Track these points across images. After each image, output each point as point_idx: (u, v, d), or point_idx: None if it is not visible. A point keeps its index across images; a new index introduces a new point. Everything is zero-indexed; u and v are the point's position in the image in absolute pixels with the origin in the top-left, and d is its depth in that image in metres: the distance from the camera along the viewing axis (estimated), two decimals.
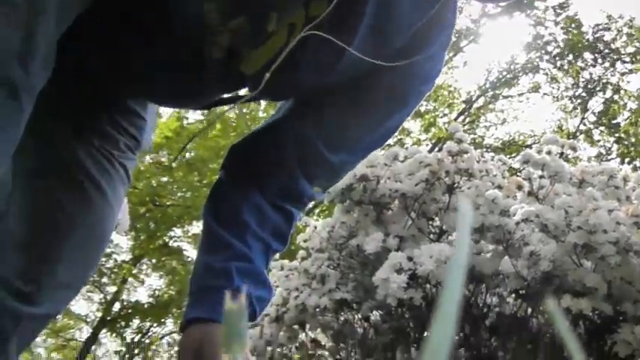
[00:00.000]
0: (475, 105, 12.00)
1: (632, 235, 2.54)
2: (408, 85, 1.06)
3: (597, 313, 2.71)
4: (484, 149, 9.55)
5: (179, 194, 10.01)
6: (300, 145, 1.05)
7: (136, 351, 10.56)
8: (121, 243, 10.40)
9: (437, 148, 9.21)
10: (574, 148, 3.54)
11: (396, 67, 0.98)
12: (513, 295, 3.17)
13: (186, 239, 10.72)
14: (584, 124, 11.44)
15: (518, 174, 3.33)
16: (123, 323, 10.72)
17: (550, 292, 2.90)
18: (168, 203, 9.95)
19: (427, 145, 10.28)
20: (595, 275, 2.67)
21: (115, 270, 10.44)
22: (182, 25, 0.89)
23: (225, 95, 1.09)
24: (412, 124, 11.18)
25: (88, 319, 11.31)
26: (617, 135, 11.18)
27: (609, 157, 11.06)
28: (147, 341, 11.18)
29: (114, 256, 10.43)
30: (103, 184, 1.09)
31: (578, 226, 2.66)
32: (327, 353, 3.58)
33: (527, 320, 3.08)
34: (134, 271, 10.60)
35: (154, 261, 10.74)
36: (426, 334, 3.26)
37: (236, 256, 1.02)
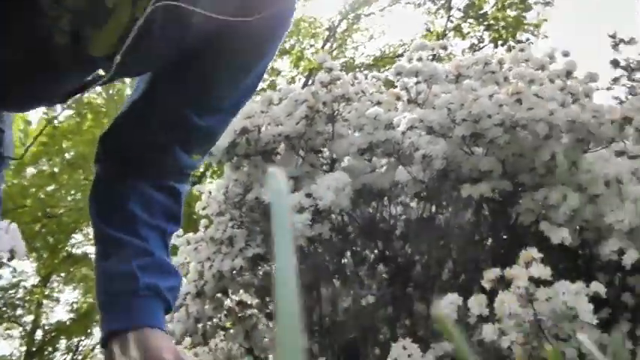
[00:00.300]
0: (339, 29, 12.02)
1: (516, 112, 2.60)
2: (264, 34, 1.03)
3: (497, 192, 2.79)
4: (357, 70, 9.63)
5: (69, 198, 9.67)
6: (167, 118, 1.02)
7: None
8: (25, 268, 9.98)
9: (310, 81, 9.21)
10: (444, 47, 3.58)
11: (247, 21, 0.94)
12: (416, 200, 3.23)
13: (88, 242, 10.39)
14: (451, 21, 11.65)
15: (395, 85, 3.34)
16: (50, 349, 10.39)
17: (449, 186, 2.98)
18: (61, 211, 9.59)
19: (300, 79, 10.27)
20: (488, 159, 2.74)
21: (27, 298, 10.02)
22: (19, 15, 0.82)
23: (86, 79, 1.03)
24: (281, 63, 11.11)
25: (14, 357, 10.86)
26: (486, 23, 11.43)
27: (482, 46, 11.32)
28: (79, 358, 10.93)
29: (22, 284, 10.03)
30: None
31: (463, 119, 2.71)
32: (256, 311, 3.56)
33: (433, 218, 3.16)
34: (46, 292, 10.22)
35: (62, 275, 10.38)
36: (343, 262, 3.29)
37: (134, 254, 0.99)
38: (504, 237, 2.87)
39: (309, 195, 3.00)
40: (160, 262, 1.00)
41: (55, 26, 0.85)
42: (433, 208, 3.13)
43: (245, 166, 3.54)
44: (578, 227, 2.55)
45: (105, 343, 0.96)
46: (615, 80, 4.71)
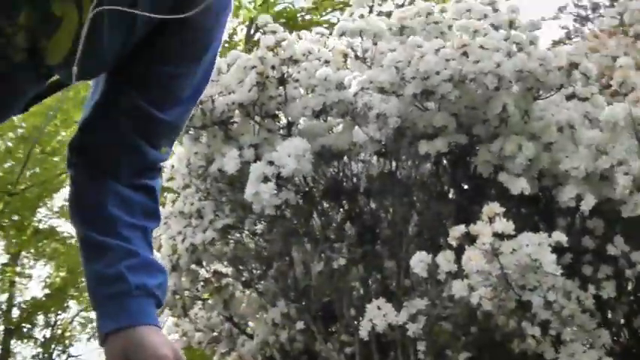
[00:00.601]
0: None
1: (463, 66, 2.61)
2: (208, 23, 1.04)
3: (454, 145, 2.84)
4: (298, 15, 9.43)
5: (28, 174, 9.50)
6: (131, 116, 1.03)
7: (53, 345, 10.35)
8: None
9: (252, 31, 9.01)
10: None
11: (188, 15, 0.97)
12: (375, 157, 3.26)
13: (54, 216, 10.29)
14: None
15: (341, 40, 3.32)
16: (29, 325, 10.38)
17: (406, 143, 3.01)
18: (22, 187, 9.44)
19: (242, 30, 10.05)
20: (441, 114, 2.77)
21: None
22: None
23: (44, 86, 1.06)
24: None
25: None
26: None
27: None
28: (59, 332, 10.94)
29: None
30: None
31: (412, 77, 2.72)
32: (231, 280, 3.62)
33: (394, 173, 3.20)
34: (18, 270, 10.14)
35: (32, 251, 10.29)
36: (312, 224, 3.34)
37: (121, 256, 1.01)
38: (466, 188, 2.94)
39: (271, 163, 3.01)
40: (145, 262, 1.04)
41: (11, 45, 0.88)
42: (393, 164, 3.18)
43: (203, 137, 3.53)
44: (535, 175, 2.61)
45: (103, 342, 1.01)
46: (561, 9, 4.73)
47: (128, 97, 1.03)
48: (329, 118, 3.25)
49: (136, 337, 0.98)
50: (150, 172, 1.10)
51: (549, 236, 2.21)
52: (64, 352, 11.28)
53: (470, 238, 2.30)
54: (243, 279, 3.57)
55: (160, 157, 1.10)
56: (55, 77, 1.03)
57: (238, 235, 3.63)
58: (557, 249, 2.20)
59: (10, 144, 9.55)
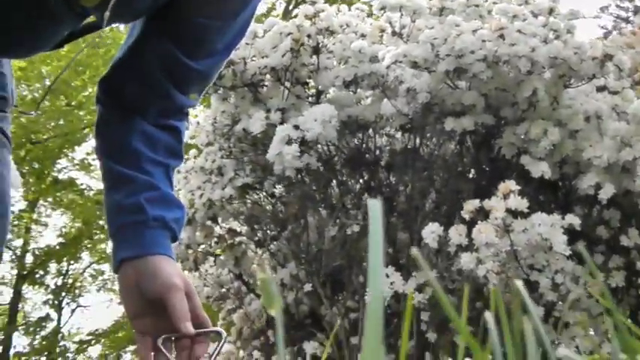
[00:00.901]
0: None
1: (499, 47, 2.63)
2: None
3: (480, 125, 2.86)
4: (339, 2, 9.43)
5: (52, 124, 9.60)
6: (163, 62, 1.06)
7: (63, 293, 10.48)
8: (11, 193, 9.98)
9: (291, 6, 9.03)
10: None
11: None
12: (400, 132, 3.29)
13: (74, 168, 10.39)
14: None
15: (379, 16, 3.34)
16: (41, 272, 10.53)
17: (433, 119, 3.04)
18: (45, 137, 9.54)
19: (281, 4, 10.07)
20: (471, 93, 2.79)
21: (15, 222, 10.11)
22: None
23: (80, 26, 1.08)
24: None
25: (6, 280, 11.03)
26: None
27: None
28: (70, 281, 11.08)
29: (10, 209, 10.03)
30: None
31: (446, 54, 2.74)
32: (245, 238, 3.67)
33: (418, 150, 3.23)
34: (34, 217, 10.28)
35: (50, 200, 10.41)
36: (330, 192, 3.38)
37: (141, 188, 1.05)
38: (486, 169, 2.96)
39: (296, 127, 3.05)
40: (165, 196, 1.07)
41: None
42: (417, 140, 3.20)
43: (232, 97, 3.57)
44: (557, 161, 2.63)
45: (117, 269, 1.05)
46: (603, 9, 4.69)
47: (161, 44, 1.06)
48: (359, 89, 3.28)
49: (148, 266, 1.02)
50: (177, 115, 1.14)
51: (563, 219, 2.23)
52: (73, 300, 11.49)
53: (484, 213, 2.33)
54: (257, 238, 3.62)
55: (188, 102, 1.13)
56: (92, 19, 1.05)
57: (256, 195, 3.67)
58: (571, 236, 2.22)
59: (36, 95, 9.65)
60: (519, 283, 0.54)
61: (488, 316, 0.50)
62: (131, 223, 1.04)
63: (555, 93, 2.62)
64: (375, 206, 0.33)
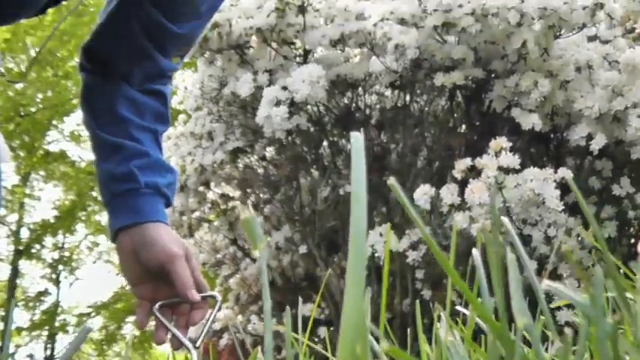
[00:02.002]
0: None
1: (487, 0, 2.59)
2: None
3: (470, 79, 2.83)
4: None
5: (40, 96, 9.52)
6: (145, 26, 1.05)
7: (60, 267, 10.51)
8: (2, 169, 9.93)
9: None
10: None
11: None
12: (390, 89, 3.26)
13: (64, 139, 10.33)
14: None
15: None
16: (38, 247, 10.54)
17: (422, 75, 3.00)
18: (33, 109, 9.46)
19: None
20: (460, 47, 2.75)
21: (9, 198, 10.08)
22: None
23: None
24: None
25: (2, 256, 11.04)
26: None
27: None
28: (67, 254, 11.10)
29: (2, 183, 10.01)
30: None
31: (434, 9, 2.69)
32: (238, 203, 3.66)
33: (408, 107, 3.21)
34: (27, 191, 10.25)
35: (42, 173, 10.38)
36: (321, 152, 3.36)
37: (131, 155, 1.05)
38: (477, 124, 2.94)
39: (284, 88, 3.02)
40: (155, 161, 1.07)
41: None
42: (407, 97, 3.17)
43: (218, 60, 3.52)
44: (548, 113, 2.61)
45: (114, 239, 1.05)
46: None
47: (142, 8, 1.04)
48: (346, 48, 3.24)
49: (146, 234, 1.01)
50: (161, 79, 1.13)
51: (555, 172, 2.21)
52: (71, 273, 11.53)
53: (475, 172, 2.31)
54: (250, 202, 3.61)
55: (172, 65, 1.12)
56: None
57: (247, 159, 3.65)
58: (563, 188, 2.21)
59: (22, 67, 9.54)
60: (506, 220, 0.52)
61: (476, 253, 0.48)
62: (124, 192, 1.04)
63: (545, 44, 2.58)
64: (357, 139, 0.31)
